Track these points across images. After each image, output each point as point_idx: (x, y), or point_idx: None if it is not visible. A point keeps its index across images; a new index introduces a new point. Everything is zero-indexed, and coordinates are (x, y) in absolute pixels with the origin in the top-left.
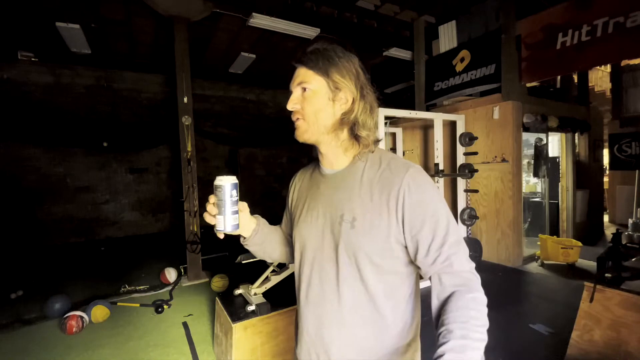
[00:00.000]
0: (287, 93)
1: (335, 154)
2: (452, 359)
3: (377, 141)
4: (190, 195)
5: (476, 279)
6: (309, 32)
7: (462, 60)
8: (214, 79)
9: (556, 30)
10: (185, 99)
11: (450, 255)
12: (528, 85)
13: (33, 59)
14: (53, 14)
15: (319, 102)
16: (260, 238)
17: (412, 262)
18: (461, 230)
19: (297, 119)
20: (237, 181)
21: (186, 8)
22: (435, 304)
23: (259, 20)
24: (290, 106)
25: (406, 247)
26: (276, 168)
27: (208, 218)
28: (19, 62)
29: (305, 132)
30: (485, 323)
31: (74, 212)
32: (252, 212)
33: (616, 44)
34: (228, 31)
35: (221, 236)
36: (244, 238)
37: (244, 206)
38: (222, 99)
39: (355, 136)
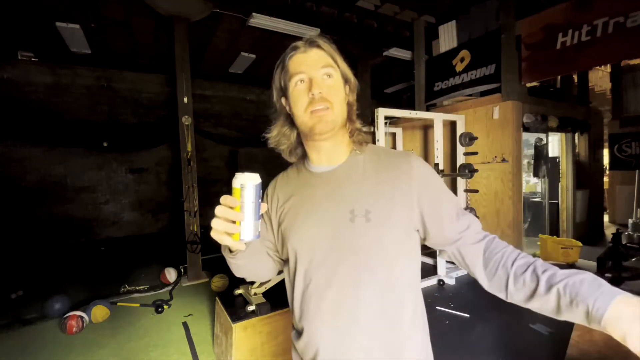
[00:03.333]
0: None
1: (338, 149)
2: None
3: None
4: (190, 195)
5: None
6: (309, 32)
7: (462, 60)
8: (214, 79)
9: (556, 30)
10: (185, 99)
11: (470, 219)
12: (528, 85)
13: (33, 59)
14: (53, 14)
15: (342, 91)
16: (250, 252)
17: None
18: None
19: (326, 107)
20: (260, 180)
21: (186, 8)
22: (493, 268)
23: (259, 20)
24: (323, 91)
25: (418, 231)
26: (276, 168)
27: (225, 225)
28: (19, 62)
29: (334, 125)
30: None
31: (74, 212)
32: None
33: (616, 44)
34: (228, 31)
35: (243, 247)
36: (231, 252)
37: (264, 207)
38: (222, 99)
39: (354, 129)
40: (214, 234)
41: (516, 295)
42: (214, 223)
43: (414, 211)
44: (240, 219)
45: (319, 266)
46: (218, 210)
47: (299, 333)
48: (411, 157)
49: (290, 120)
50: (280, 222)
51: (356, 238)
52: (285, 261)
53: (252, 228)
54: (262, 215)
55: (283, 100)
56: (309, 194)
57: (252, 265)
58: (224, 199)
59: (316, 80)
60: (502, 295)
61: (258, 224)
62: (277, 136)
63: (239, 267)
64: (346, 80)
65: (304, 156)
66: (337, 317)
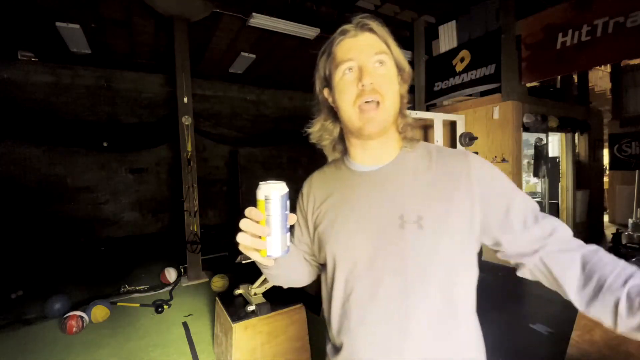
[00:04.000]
0: (287, 93)
1: (387, 147)
2: None
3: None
4: (190, 195)
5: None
6: (309, 32)
7: (462, 60)
8: (214, 79)
9: (556, 30)
10: (185, 99)
11: (555, 224)
12: (528, 85)
13: (33, 59)
14: (53, 14)
15: (395, 82)
16: (286, 263)
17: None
18: None
19: (377, 102)
20: (287, 190)
21: (186, 8)
22: (577, 281)
23: (259, 20)
24: (375, 82)
25: (482, 241)
26: (276, 168)
27: (251, 240)
28: (19, 62)
29: (386, 124)
30: None
31: (73, 212)
32: None
33: (616, 44)
34: (228, 31)
35: (271, 263)
36: (265, 266)
37: (293, 219)
38: (222, 99)
39: (405, 124)
40: (241, 249)
41: (630, 322)
42: (239, 238)
43: (475, 217)
44: (266, 234)
45: (362, 275)
46: (242, 224)
47: (337, 348)
48: (469, 156)
49: (334, 114)
50: (317, 224)
51: (407, 246)
52: (323, 266)
53: (279, 243)
54: (290, 227)
55: (326, 91)
56: (350, 195)
57: (287, 273)
58: (248, 211)
59: (367, 68)
60: (608, 322)
61: (286, 238)
62: (319, 131)
63: (272, 276)
64: (400, 69)
65: (345, 152)
66: (384, 333)
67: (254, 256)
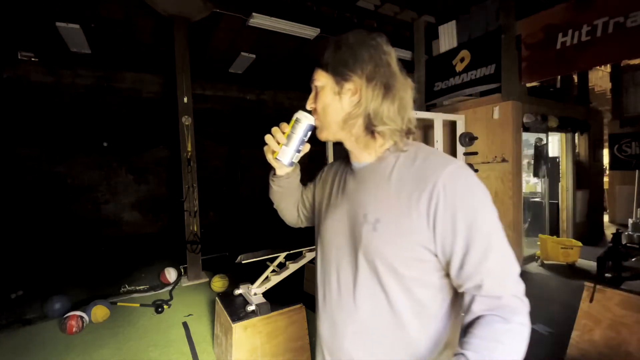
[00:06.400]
0: (287, 93)
1: (358, 150)
2: None
3: (408, 132)
4: (190, 195)
5: (521, 305)
6: (309, 32)
7: (462, 60)
8: (214, 79)
9: (556, 30)
10: (185, 99)
11: (489, 274)
12: (528, 85)
13: (33, 59)
14: (53, 14)
15: (326, 98)
16: (287, 183)
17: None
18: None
19: (315, 118)
20: (314, 124)
21: (186, 8)
22: (463, 327)
23: (259, 20)
24: (307, 106)
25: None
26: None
27: (272, 142)
28: (19, 62)
29: (321, 131)
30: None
31: (73, 212)
32: (253, 213)
33: (616, 44)
34: (228, 31)
35: (277, 166)
36: (275, 174)
37: (307, 147)
38: (222, 99)
39: (371, 131)
40: (265, 149)
41: None
42: (267, 137)
43: (430, 236)
44: (283, 142)
45: (329, 260)
46: (273, 129)
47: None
48: (444, 171)
49: None
50: (318, 201)
51: (361, 243)
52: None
53: (289, 154)
54: (299, 151)
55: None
56: (342, 188)
57: (283, 199)
58: (280, 124)
59: (312, 96)
60: None
61: (295, 156)
62: None
63: (274, 192)
64: (338, 81)
65: None
66: (335, 314)
67: (267, 156)
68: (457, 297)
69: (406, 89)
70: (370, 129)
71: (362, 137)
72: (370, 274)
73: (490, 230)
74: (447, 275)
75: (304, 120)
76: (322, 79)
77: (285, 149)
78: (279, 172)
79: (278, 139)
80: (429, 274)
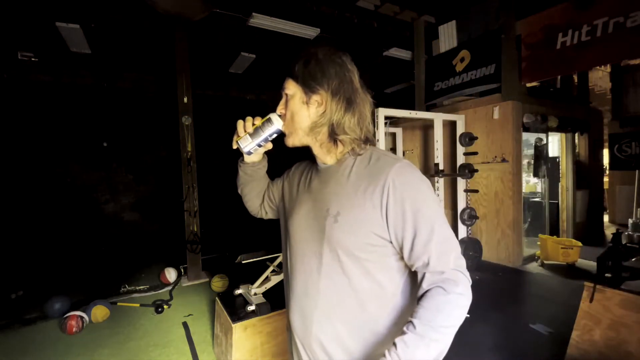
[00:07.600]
0: None
1: (322, 154)
2: (400, 351)
3: (365, 140)
4: (190, 195)
5: (462, 277)
6: (309, 32)
7: (462, 60)
8: (214, 79)
9: (556, 30)
10: (185, 99)
11: (433, 253)
12: (528, 85)
13: (33, 59)
14: (53, 14)
15: (295, 106)
16: (253, 171)
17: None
18: (450, 230)
19: (283, 124)
20: (280, 129)
21: (186, 8)
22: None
23: (259, 20)
24: (277, 110)
25: (391, 242)
26: (276, 168)
27: (240, 127)
28: (19, 62)
29: (289, 136)
30: (452, 325)
31: (73, 212)
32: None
33: (616, 44)
34: (228, 31)
35: (235, 146)
36: (243, 160)
37: (269, 146)
38: (222, 99)
39: (333, 139)
40: (237, 131)
41: None
42: (238, 122)
43: (383, 225)
44: (249, 132)
45: (295, 251)
46: (247, 118)
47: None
48: (392, 168)
49: None
50: (286, 197)
51: (324, 234)
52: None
53: (250, 144)
54: (260, 145)
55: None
56: (308, 186)
57: (246, 184)
58: (255, 117)
59: (281, 102)
60: None
61: (255, 148)
62: None
63: (239, 177)
64: (312, 92)
65: None
66: (303, 301)
67: (234, 138)
68: (411, 277)
69: (365, 103)
70: (333, 137)
71: (326, 143)
72: (333, 262)
73: (432, 216)
74: (402, 258)
75: (275, 123)
76: (292, 88)
77: (248, 138)
78: (246, 159)
79: (246, 127)
80: (386, 257)
